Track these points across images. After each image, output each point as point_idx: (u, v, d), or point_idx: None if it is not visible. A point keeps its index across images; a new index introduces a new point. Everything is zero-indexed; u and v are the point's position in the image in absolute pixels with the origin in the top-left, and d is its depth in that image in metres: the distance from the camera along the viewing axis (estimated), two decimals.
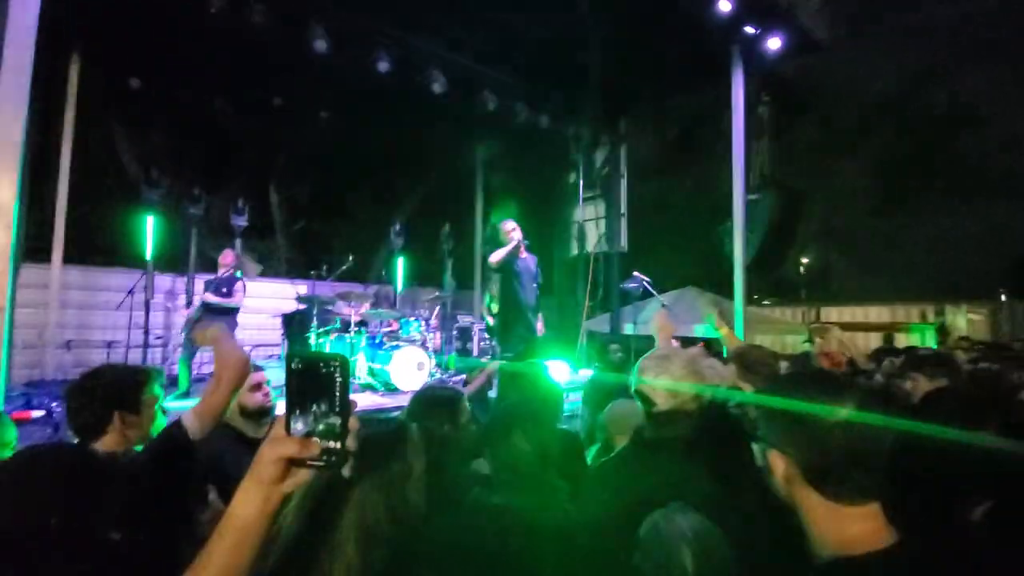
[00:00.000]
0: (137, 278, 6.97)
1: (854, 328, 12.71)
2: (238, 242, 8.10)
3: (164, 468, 1.32)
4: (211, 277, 6.07)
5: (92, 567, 0.95)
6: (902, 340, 11.88)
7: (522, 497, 1.52)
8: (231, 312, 5.92)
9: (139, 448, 1.56)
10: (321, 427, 0.70)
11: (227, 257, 6.07)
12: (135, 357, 6.85)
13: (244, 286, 6.03)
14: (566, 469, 1.75)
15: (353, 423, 0.72)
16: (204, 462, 1.43)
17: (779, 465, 0.95)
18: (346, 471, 0.73)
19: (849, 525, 0.87)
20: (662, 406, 1.63)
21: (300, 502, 0.90)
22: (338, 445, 0.71)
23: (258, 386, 2.04)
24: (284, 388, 0.72)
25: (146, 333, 6.61)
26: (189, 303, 5.60)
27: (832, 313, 14.45)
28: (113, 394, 1.52)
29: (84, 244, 7.54)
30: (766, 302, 17.26)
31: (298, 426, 0.71)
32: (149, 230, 6.92)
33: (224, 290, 5.81)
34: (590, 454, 2.35)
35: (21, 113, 2.98)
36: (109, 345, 6.95)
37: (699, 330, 8.87)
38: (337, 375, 0.71)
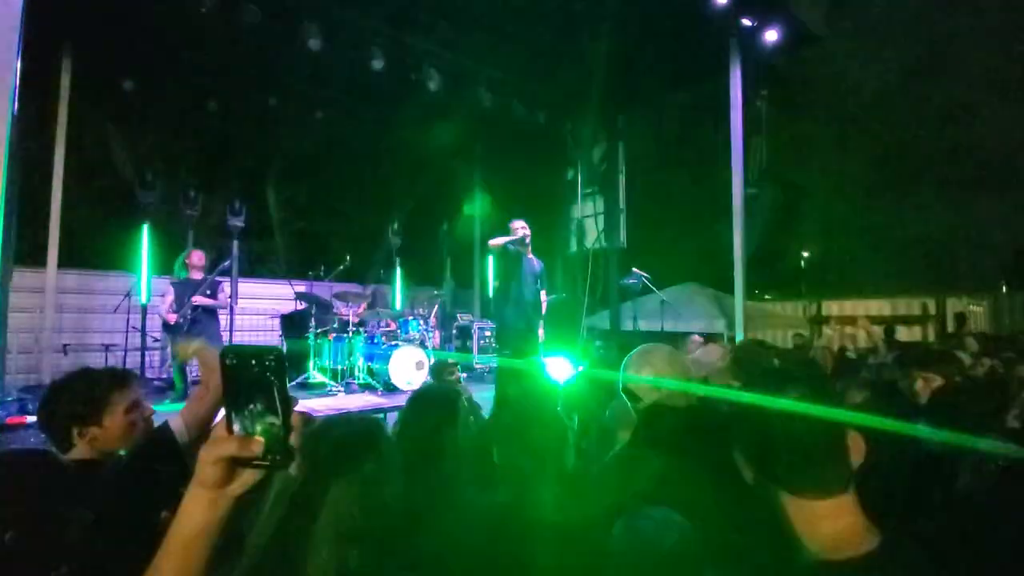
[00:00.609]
0: (133, 281, 6.94)
1: (855, 322, 12.67)
2: (235, 243, 8.06)
3: (146, 472, 1.29)
4: (181, 280, 5.75)
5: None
6: (904, 333, 11.86)
7: (526, 494, 1.49)
8: (215, 313, 5.83)
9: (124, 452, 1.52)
10: (261, 425, 0.67)
11: (197, 258, 5.78)
12: (133, 360, 6.82)
13: (225, 286, 5.93)
14: (566, 465, 1.72)
15: (296, 420, 0.69)
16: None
17: (741, 462, 0.94)
18: (292, 470, 0.69)
19: (821, 522, 0.84)
20: (646, 401, 1.61)
21: (271, 509, 0.86)
22: (281, 443, 0.67)
23: None
24: (226, 385, 0.68)
25: (143, 336, 6.57)
26: (180, 306, 5.47)
27: (833, 307, 14.41)
28: (69, 410, 1.50)
29: (79, 247, 7.49)
30: (767, 296, 17.23)
31: (238, 425, 0.67)
32: (145, 233, 6.88)
33: (208, 292, 5.68)
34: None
35: (4, 114, 2.93)
36: (107, 348, 6.92)
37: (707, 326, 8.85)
38: (273, 370, 0.68)
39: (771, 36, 6.56)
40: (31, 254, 6.86)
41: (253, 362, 0.67)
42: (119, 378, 1.62)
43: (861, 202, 17.16)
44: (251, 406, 0.68)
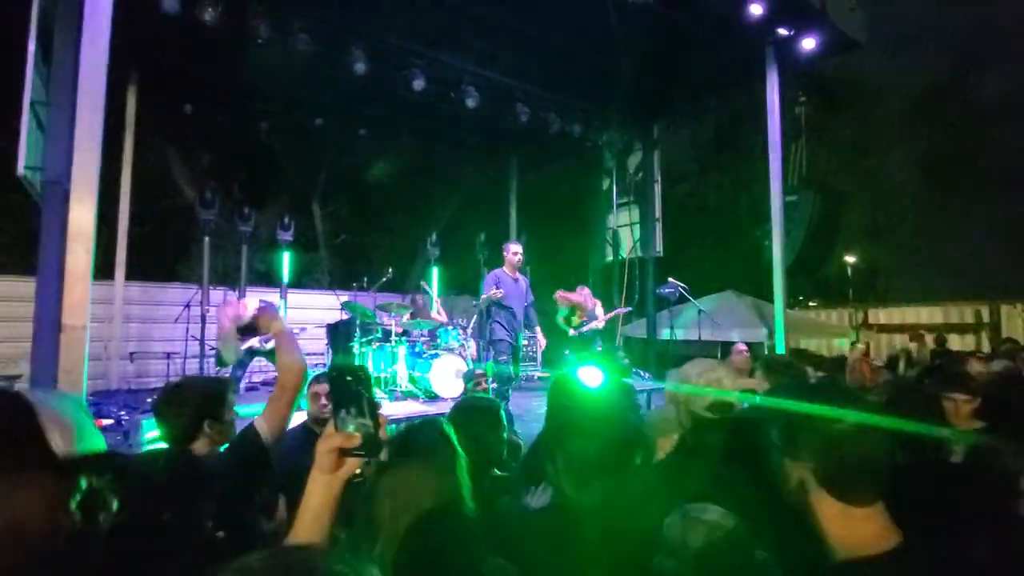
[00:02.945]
0: (193, 293, 7.37)
1: (903, 330, 12.22)
2: (285, 255, 8.45)
3: (244, 470, 1.46)
4: None
5: (194, 560, 1.08)
6: (955, 342, 11.36)
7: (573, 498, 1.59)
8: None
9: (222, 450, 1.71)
10: (358, 423, 0.88)
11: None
12: (192, 368, 7.23)
13: None
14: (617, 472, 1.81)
15: (382, 418, 0.90)
16: (280, 465, 1.57)
17: (794, 472, 0.99)
18: (383, 456, 0.93)
19: (859, 526, 0.92)
20: (695, 411, 1.67)
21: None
22: (373, 438, 0.89)
23: (316, 396, 2.18)
24: (332, 396, 0.93)
25: (202, 345, 6.96)
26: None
27: (880, 315, 13.92)
28: (202, 404, 1.67)
29: (144, 261, 8.00)
30: (811, 303, 16.74)
31: (343, 424, 0.89)
32: (205, 248, 7.31)
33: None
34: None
35: (97, 146, 3.26)
36: (168, 356, 7.35)
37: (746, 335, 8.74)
38: (364, 385, 0.90)
39: (808, 44, 6.50)
40: (101, 268, 7.39)
41: (349, 377, 0.90)
42: (228, 382, 1.84)
43: (908, 206, 16.52)
44: (352, 408, 0.89)
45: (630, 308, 7.88)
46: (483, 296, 5.66)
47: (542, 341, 6.19)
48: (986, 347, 11.11)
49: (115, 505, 0.95)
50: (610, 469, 1.71)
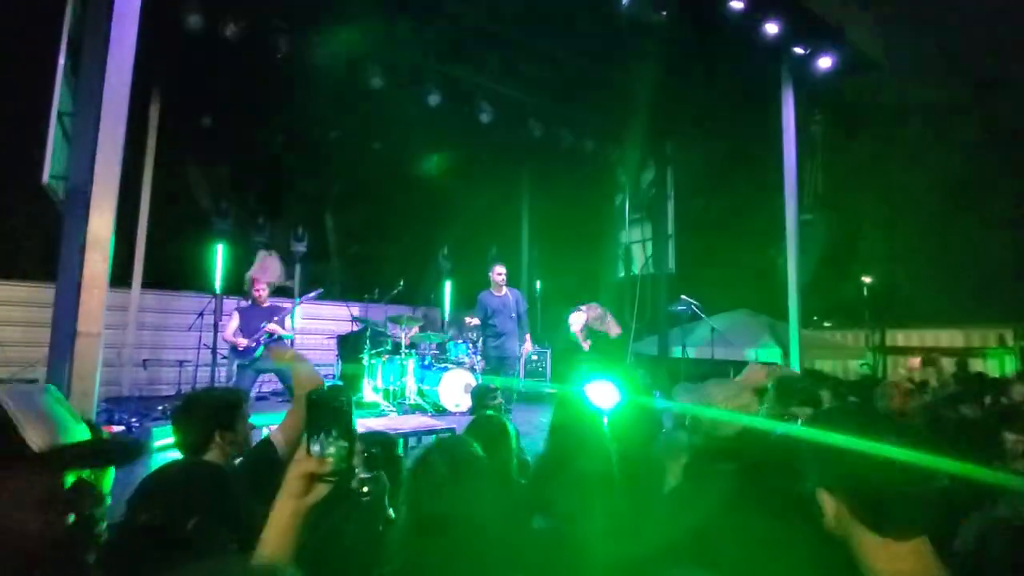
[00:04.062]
0: (206, 302, 7.45)
1: (924, 352, 11.97)
2: (297, 267, 8.53)
3: (257, 481, 1.46)
4: (248, 307, 6.08)
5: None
6: (978, 366, 11.10)
7: (572, 524, 1.56)
8: (282, 338, 6.07)
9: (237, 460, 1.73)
10: (332, 449, 0.86)
11: (263, 289, 6.11)
12: (204, 376, 7.28)
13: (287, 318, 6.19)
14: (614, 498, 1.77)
15: (358, 446, 0.89)
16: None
17: (830, 503, 0.96)
18: (354, 484, 0.91)
19: (900, 561, 0.88)
20: (708, 435, 1.63)
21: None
22: (345, 464, 0.87)
23: None
24: (310, 418, 0.90)
25: (214, 353, 7.01)
26: (250, 332, 5.80)
27: (899, 336, 13.66)
28: (214, 415, 1.69)
29: (160, 270, 8.11)
30: (827, 324, 16.48)
31: (315, 448, 0.87)
32: (219, 257, 7.40)
33: (277, 319, 5.93)
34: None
35: (118, 156, 3.33)
36: (180, 364, 7.42)
37: (764, 355, 8.64)
38: (343, 406, 0.88)
39: (825, 63, 6.49)
40: (118, 275, 7.50)
41: (330, 399, 0.89)
42: (243, 394, 1.86)
43: (927, 226, 16.26)
44: (328, 433, 0.87)
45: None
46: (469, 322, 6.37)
47: (527, 347, 6.43)
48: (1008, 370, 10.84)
49: (106, 500, 0.95)
50: (613, 493, 1.68)
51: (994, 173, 15.72)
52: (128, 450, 1.02)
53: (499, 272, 6.20)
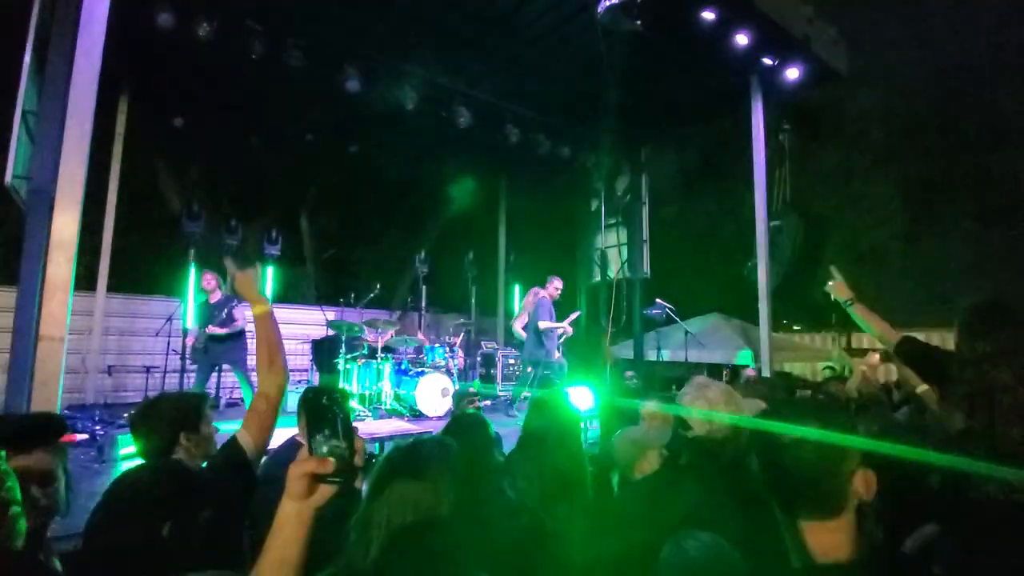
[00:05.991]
0: (174, 306, 7.27)
1: (883, 352, 12.34)
2: (270, 269, 8.39)
3: (227, 484, 1.43)
4: (202, 303, 6.08)
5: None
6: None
7: (549, 518, 1.58)
8: (240, 336, 6.03)
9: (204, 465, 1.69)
10: (332, 448, 0.84)
11: (209, 282, 6.10)
12: (172, 382, 7.10)
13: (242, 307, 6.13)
14: (586, 493, 1.81)
15: (360, 442, 0.86)
16: (267, 482, 1.55)
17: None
18: (357, 483, 0.87)
19: (815, 537, 0.90)
20: (697, 431, 1.68)
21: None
22: (348, 463, 0.84)
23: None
24: (306, 417, 0.87)
25: (183, 359, 6.85)
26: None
27: (864, 338, 14.07)
28: (177, 417, 1.65)
29: (127, 273, 7.89)
30: (796, 327, 16.89)
31: (315, 448, 0.84)
32: (190, 260, 7.23)
33: (224, 317, 5.88)
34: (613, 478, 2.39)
35: (84, 156, 3.25)
36: (147, 370, 7.21)
37: (741, 357, 8.81)
38: (339, 405, 0.86)
39: (792, 73, 6.69)
40: (83, 278, 7.27)
41: (324, 398, 0.86)
42: (204, 396, 1.82)
43: (892, 231, 16.83)
44: (327, 432, 0.84)
45: (579, 312, 8.00)
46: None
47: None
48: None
49: (17, 493, 0.91)
50: (576, 488, 1.71)
51: (957, 180, 16.37)
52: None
53: (557, 287, 7.04)
